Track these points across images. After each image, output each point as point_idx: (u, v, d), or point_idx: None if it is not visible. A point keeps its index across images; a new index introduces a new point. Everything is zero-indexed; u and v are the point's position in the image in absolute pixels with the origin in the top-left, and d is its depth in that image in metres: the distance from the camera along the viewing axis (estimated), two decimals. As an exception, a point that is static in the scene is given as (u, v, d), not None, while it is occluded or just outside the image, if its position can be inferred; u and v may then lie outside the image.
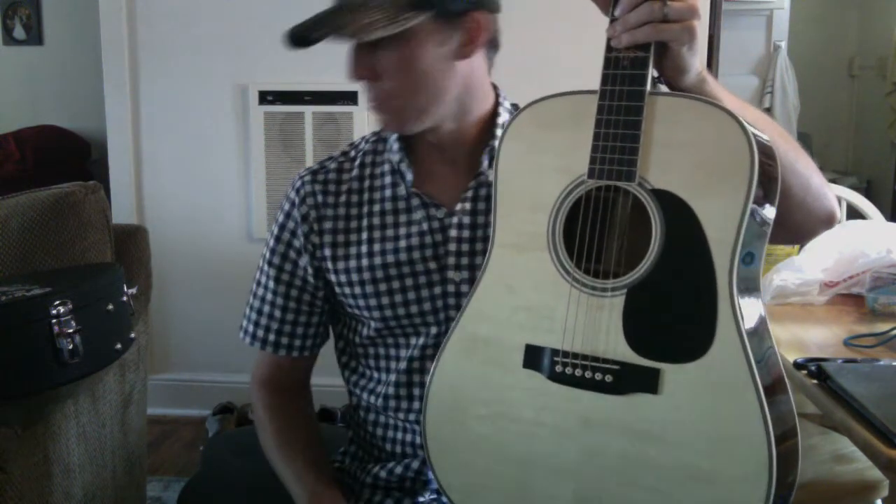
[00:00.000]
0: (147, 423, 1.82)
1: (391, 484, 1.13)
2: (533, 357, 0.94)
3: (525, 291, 0.95)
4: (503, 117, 1.13)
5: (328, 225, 1.14)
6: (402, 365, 1.12)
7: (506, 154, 0.97)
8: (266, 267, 1.18)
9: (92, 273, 1.50)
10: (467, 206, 1.10)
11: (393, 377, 1.13)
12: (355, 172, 1.16)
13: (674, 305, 0.88)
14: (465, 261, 1.09)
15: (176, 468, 2.51)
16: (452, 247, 1.09)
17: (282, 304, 1.16)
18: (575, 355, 0.91)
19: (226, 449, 1.62)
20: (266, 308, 1.17)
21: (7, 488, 1.24)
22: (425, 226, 1.10)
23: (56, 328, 1.24)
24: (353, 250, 1.12)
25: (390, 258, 1.10)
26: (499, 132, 1.11)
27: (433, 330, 1.10)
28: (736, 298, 0.85)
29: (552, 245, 0.93)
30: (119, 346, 1.38)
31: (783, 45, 4.54)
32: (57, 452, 1.38)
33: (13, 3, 4.62)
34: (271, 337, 1.17)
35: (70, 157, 4.37)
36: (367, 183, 1.15)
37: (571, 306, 0.92)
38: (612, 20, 0.91)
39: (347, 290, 1.12)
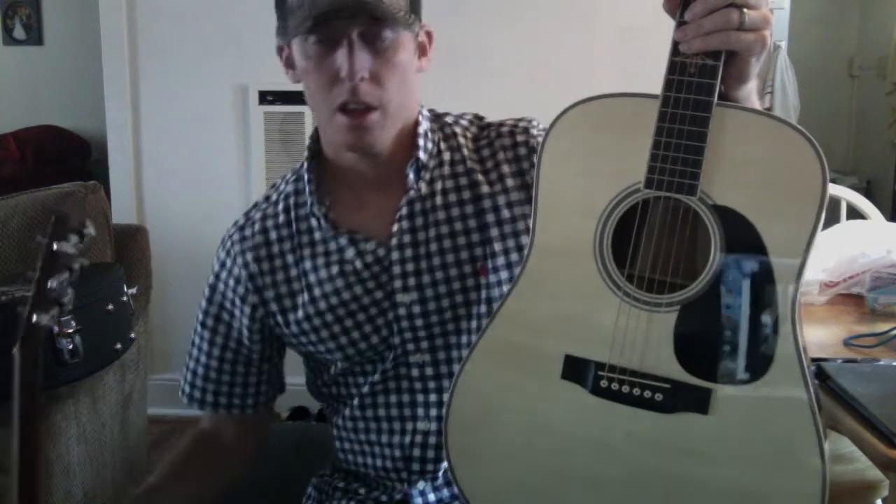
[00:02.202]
0: (147, 423, 1.82)
1: None
2: (573, 369, 0.89)
3: (566, 299, 0.91)
4: (423, 126, 1.09)
5: (268, 281, 1.09)
6: (366, 389, 1.10)
7: (551, 152, 0.91)
8: (199, 328, 1.15)
9: (92, 273, 1.50)
10: (404, 225, 1.05)
11: (357, 401, 1.11)
12: (281, 219, 1.11)
13: (729, 326, 0.85)
14: (412, 282, 1.05)
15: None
16: (397, 270, 1.05)
17: (216, 367, 1.13)
18: (622, 370, 0.87)
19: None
20: (200, 370, 1.14)
21: (9, 490, 1.24)
22: (359, 263, 1.06)
23: (56, 328, 1.24)
24: (298, 300, 1.08)
25: (334, 300, 1.06)
26: (421, 142, 1.07)
27: (388, 354, 1.07)
28: (798, 324, 0.83)
29: (599, 253, 0.88)
30: (119, 346, 1.38)
31: (783, 45, 4.53)
32: (57, 452, 1.38)
33: (13, 3, 4.62)
34: (209, 398, 1.14)
35: (70, 157, 4.37)
36: (293, 227, 1.10)
37: (620, 319, 0.87)
38: (681, 23, 0.85)
39: (304, 339, 1.09)
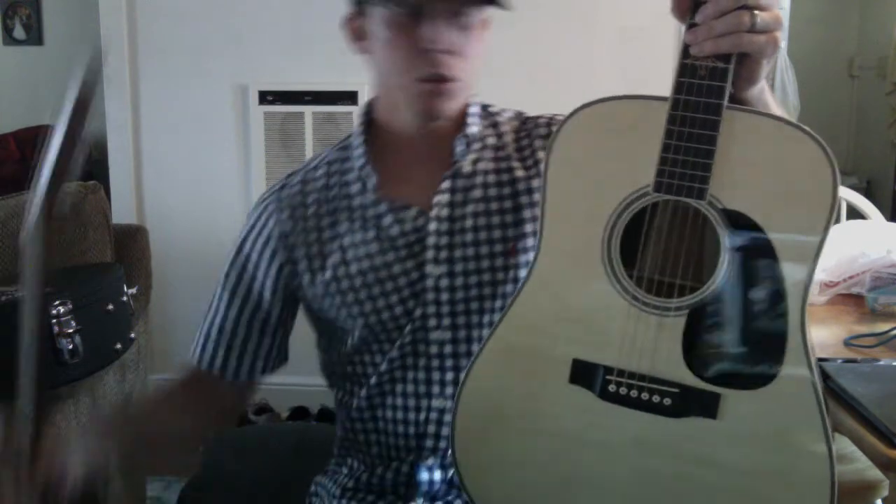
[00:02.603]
0: (147, 423, 1.82)
1: (385, 488, 1.13)
2: (581, 373, 0.89)
3: (573, 303, 0.90)
4: (474, 108, 1.12)
5: (300, 239, 1.11)
6: (384, 367, 1.10)
7: (558, 155, 0.91)
8: (220, 290, 1.16)
9: (92, 273, 1.50)
10: (444, 198, 1.08)
11: (374, 379, 1.12)
12: (321, 183, 1.13)
13: (738, 331, 0.85)
14: (444, 255, 1.07)
15: (176, 468, 2.50)
16: (431, 241, 1.07)
17: (232, 327, 1.14)
18: (630, 374, 0.87)
19: (226, 449, 1.62)
20: (215, 329, 1.15)
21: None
22: (396, 230, 1.08)
23: (56, 328, 1.25)
24: (328, 261, 1.10)
25: (365, 264, 1.08)
26: (470, 120, 1.11)
27: (408, 327, 1.08)
28: (807, 329, 0.82)
29: (607, 257, 0.88)
30: (119, 346, 1.38)
31: (783, 45, 4.53)
32: (57, 452, 1.37)
33: (13, 3, 4.62)
34: (218, 360, 1.14)
35: (70, 157, 4.37)
36: (333, 192, 1.12)
37: (628, 323, 0.87)
38: (691, 25, 0.84)
39: (328, 302, 1.10)
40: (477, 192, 1.09)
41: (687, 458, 0.86)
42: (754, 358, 0.84)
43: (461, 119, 1.11)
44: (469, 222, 1.08)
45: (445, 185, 1.08)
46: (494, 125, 1.14)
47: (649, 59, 2.52)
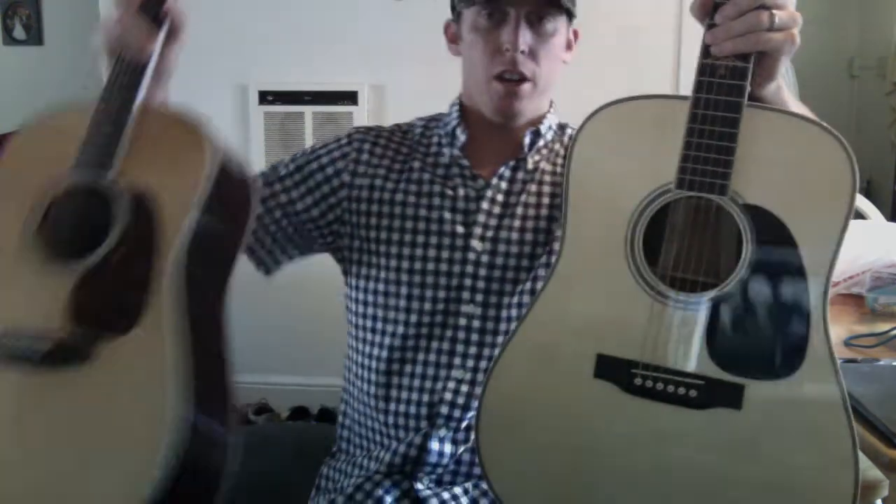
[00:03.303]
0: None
1: (393, 468, 1.13)
2: (606, 368, 0.91)
3: (598, 299, 0.92)
4: (551, 118, 1.21)
5: (371, 171, 1.18)
6: (411, 330, 1.13)
7: (581, 154, 0.93)
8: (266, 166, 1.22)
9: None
10: (503, 184, 1.15)
11: (398, 341, 1.14)
12: (406, 137, 1.23)
13: (762, 323, 0.87)
14: (490, 233, 1.13)
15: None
16: (481, 217, 1.13)
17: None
18: (655, 368, 0.89)
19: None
20: None
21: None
22: (461, 192, 1.15)
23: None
24: (387, 196, 1.16)
25: (422, 212, 1.14)
26: (545, 122, 1.18)
27: (441, 294, 1.12)
28: (828, 319, 0.85)
29: (631, 253, 0.90)
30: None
31: (783, 45, 4.53)
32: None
33: (13, 3, 4.62)
34: None
35: (70, 157, 4.37)
36: (413, 146, 1.20)
37: (652, 317, 0.89)
38: (710, 26, 0.87)
39: (373, 234, 1.16)
40: (533, 187, 1.15)
41: (712, 449, 0.88)
42: (778, 348, 0.86)
43: (538, 122, 1.19)
44: (519, 210, 1.14)
45: (507, 171, 1.16)
46: (564, 137, 1.22)
47: (649, 60, 2.52)
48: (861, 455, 1.23)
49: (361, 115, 2.69)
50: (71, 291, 0.86)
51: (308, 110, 2.71)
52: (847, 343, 1.40)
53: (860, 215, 2.07)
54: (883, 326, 1.45)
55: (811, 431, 0.85)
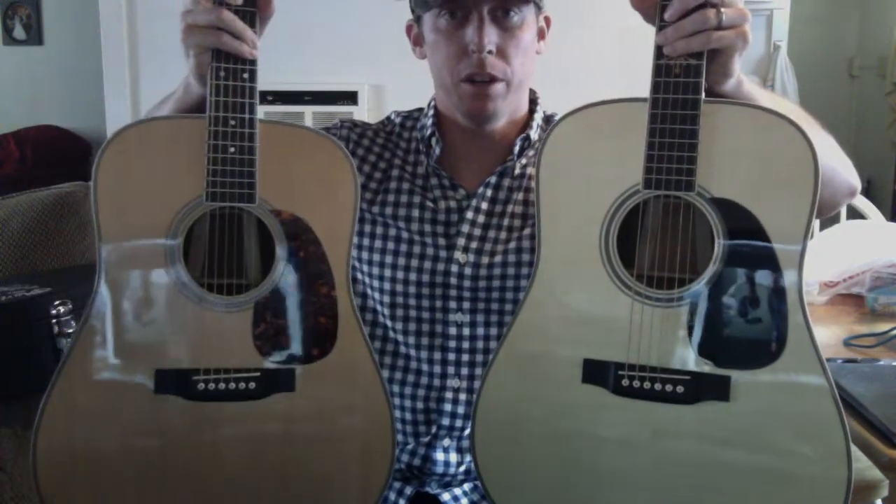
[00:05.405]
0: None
1: (396, 475, 1.13)
2: (594, 372, 0.92)
3: (578, 304, 0.93)
4: (539, 115, 1.15)
5: (358, 161, 1.14)
6: (391, 335, 1.12)
7: (548, 165, 0.94)
8: None
9: (92, 273, 1.50)
10: (489, 192, 1.11)
11: (389, 346, 1.13)
12: (389, 139, 1.16)
13: (741, 313, 0.88)
14: (474, 245, 1.09)
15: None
16: (465, 228, 1.10)
17: None
18: (642, 367, 0.90)
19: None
20: None
21: (7, 488, 1.24)
22: (441, 205, 1.11)
23: (56, 328, 1.25)
24: (364, 206, 1.12)
25: (402, 225, 1.10)
26: (534, 124, 1.13)
27: (425, 303, 1.10)
28: (805, 303, 0.86)
29: (606, 256, 0.91)
30: (119, 346, 1.38)
31: (783, 45, 4.53)
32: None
33: (13, 3, 4.62)
34: None
35: (70, 157, 4.37)
36: (390, 153, 1.15)
37: (634, 318, 0.90)
38: (661, 27, 0.88)
39: (354, 253, 1.11)
40: (520, 196, 1.11)
41: (706, 442, 0.89)
42: (758, 338, 0.87)
43: (526, 120, 1.14)
44: (506, 221, 1.10)
45: (493, 179, 1.11)
46: None
47: (649, 59, 2.52)
48: (861, 455, 1.23)
49: (361, 115, 2.69)
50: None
51: (308, 110, 2.71)
52: (847, 343, 1.40)
53: (860, 215, 2.07)
54: (883, 326, 1.45)
55: (800, 418, 0.86)
